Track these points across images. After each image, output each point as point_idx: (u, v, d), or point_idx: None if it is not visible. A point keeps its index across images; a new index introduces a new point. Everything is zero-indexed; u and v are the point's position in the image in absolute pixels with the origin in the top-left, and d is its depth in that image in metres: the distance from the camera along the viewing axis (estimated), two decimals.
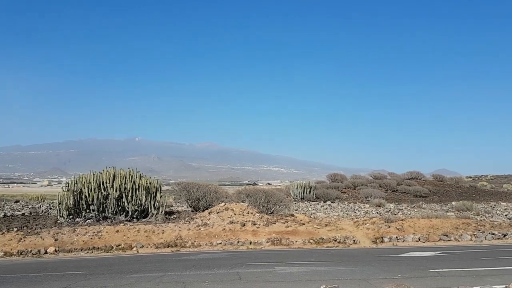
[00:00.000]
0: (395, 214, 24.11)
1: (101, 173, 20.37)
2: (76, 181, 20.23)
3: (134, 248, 16.29)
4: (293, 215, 21.28)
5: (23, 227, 18.09)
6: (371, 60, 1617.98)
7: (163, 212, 20.44)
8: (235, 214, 19.94)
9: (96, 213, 19.78)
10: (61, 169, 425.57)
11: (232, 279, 10.13)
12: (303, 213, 23.87)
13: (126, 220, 19.57)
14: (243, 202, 22.51)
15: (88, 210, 19.89)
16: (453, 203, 31.90)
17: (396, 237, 18.40)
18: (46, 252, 15.44)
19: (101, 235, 17.10)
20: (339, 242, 17.65)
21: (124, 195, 20.02)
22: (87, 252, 15.82)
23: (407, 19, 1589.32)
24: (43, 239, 16.28)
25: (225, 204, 21.29)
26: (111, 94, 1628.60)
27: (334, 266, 12.08)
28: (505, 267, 11.79)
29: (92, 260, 14.02)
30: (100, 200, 19.82)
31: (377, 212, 26.27)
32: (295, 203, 32.34)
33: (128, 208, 19.96)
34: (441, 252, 15.38)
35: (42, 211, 24.23)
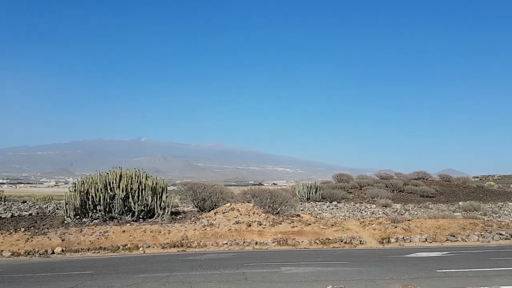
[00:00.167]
0: (401, 215, 24.02)
1: (107, 173, 20.46)
2: (83, 181, 20.33)
3: (141, 248, 16.34)
4: (299, 216, 21.26)
5: (30, 227, 18.19)
6: (372, 60, 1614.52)
7: (169, 212, 20.49)
8: (241, 215, 19.95)
9: (103, 213, 19.86)
10: (68, 170, 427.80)
11: (238, 279, 10.13)
12: (309, 214, 23.83)
13: (133, 220, 19.64)
14: (248, 203, 22.51)
15: (94, 210, 19.98)
16: (460, 203, 31.72)
17: (403, 237, 18.32)
18: (53, 252, 15.52)
19: (108, 235, 17.16)
20: (345, 243, 17.60)
21: (130, 195, 20.09)
22: (94, 252, 15.89)
23: (407, 19, 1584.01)
24: (50, 239, 16.36)
25: (231, 205, 21.30)
26: (116, 94, 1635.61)
27: (340, 266, 12.04)
28: None
29: (98, 260, 14.08)
30: (106, 200, 19.90)
31: (384, 213, 26.18)
32: (301, 203, 32.29)
33: (135, 208, 20.02)
34: (448, 252, 15.30)
35: (49, 211, 24.36)
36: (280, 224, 19.00)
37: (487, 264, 12.27)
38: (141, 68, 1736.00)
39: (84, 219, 19.72)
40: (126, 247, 16.36)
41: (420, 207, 30.51)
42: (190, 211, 23.84)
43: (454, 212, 25.84)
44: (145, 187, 20.43)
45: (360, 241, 17.87)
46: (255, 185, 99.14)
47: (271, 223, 19.02)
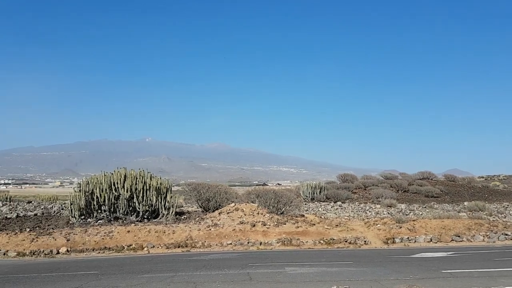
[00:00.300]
0: (406, 215, 23.96)
1: (112, 173, 20.52)
2: (88, 181, 20.40)
3: (145, 248, 16.37)
4: (303, 216, 21.24)
5: (36, 227, 18.27)
6: (375, 60, 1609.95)
7: (173, 213, 20.53)
8: (245, 215, 19.95)
9: (108, 214, 19.92)
10: (73, 170, 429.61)
11: (243, 279, 10.13)
12: (313, 214, 23.80)
13: (137, 221, 19.69)
14: (253, 203, 22.51)
15: (99, 211, 20.04)
16: (465, 203, 31.61)
17: (408, 237, 18.27)
18: (58, 252, 15.58)
19: (113, 235, 17.21)
20: (350, 243, 17.56)
21: (135, 196, 20.14)
22: (99, 252, 15.94)
23: (407, 19, 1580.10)
24: (55, 240, 16.43)
25: (235, 205, 21.31)
26: (121, 95, 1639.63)
27: (345, 266, 12.01)
28: None
29: (103, 260, 14.12)
30: (111, 200, 19.96)
31: (388, 213, 26.12)
32: (305, 204, 32.28)
33: (139, 208, 20.07)
34: (453, 252, 15.24)
35: (54, 211, 24.46)
36: (285, 224, 18.98)
37: (493, 265, 12.21)
38: (146, 68, 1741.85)
39: (89, 219, 19.78)
40: (131, 247, 16.40)
41: (425, 207, 30.42)
42: (195, 211, 23.87)
43: (459, 212, 25.74)
44: (149, 187, 20.48)
45: (365, 241, 17.83)
46: (260, 185, 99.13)
47: (275, 223, 19.01)
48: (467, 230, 19.00)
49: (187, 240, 17.13)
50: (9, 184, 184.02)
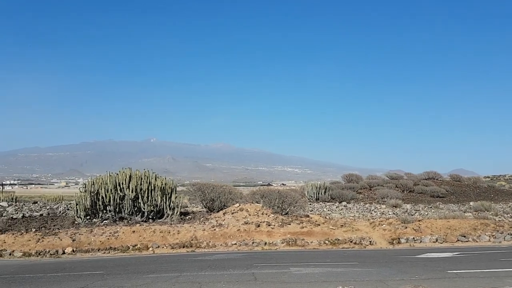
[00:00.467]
0: (412, 215, 23.87)
1: (117, 174, 20.58)
2: (93, 182, 20.48)
3: (150, 249, 16.41)
4: (308, 216, 21.21)
5: (41, 227, 18.35)
6: (378, 60, 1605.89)
7: (178, 213, 20.56)
8: (249, 215, 19.95)
9: (113, 214, 19.98)
10: (78, 171, 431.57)
11: (248, 279, 10.12)
12: (318, 214, 23.77)
13: (142, 221, 19.73)
14: (257, 203, 22.50)
15: (104, 211, 20.10)
16: (471, 203, 31.46)
17: (413, 238, 18.20)
18: (64, 253, 15.64)
19: (118, 235, 17.26)
20: (355, 243, 17.52)
21: (140, 196, 20.19)
22: (104, 252, 15.99)
23: (407, 19, 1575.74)
24: (61, 240, 16.50)
25: (239, 205, 21.31)
26: (125, 95, 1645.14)
27: (350, 267, 11.99)
28: None
29: (109, 260, 14.16)
30: (116, 200, 20.02)
31: (394, 213, 26.04)
32: (310, 204, 32.24)
33: (144, 208, 20.12)
34: (459, 253, 15.16)
35: (60, 212, 24.57)
36: (289, 224, 18.97)
37: (499, 265, 12.14)
38: (147, 68, 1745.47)
39: (94, 219, 19.85)
40: (136, 247, 16.44)
41: (431, 207, 30.31)
42: (199, 211, 23.90)
43: (465, 212, 25.62)
44: (154, 187, 20.52)
45: (370, 241, 17.78)
46: (264, 185, 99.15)
47: (280, 223, 19.00)
48: (473, 230, 18.91)
49: (192, 240, 17.15)
50: (15, 184, 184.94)
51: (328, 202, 35.06)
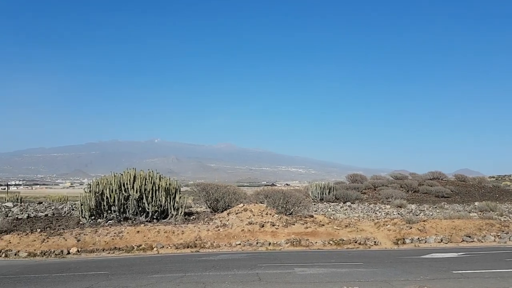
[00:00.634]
0: (416, 215, 23.78)
1: (121, 174, 20.64)
2: (98, 182, 20.53)
3: (155, 249, 16.44)
4: (312, 216, 21.19)
5: (46, 228, 18.43)
6: (375, 60, 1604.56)
7: (182, 213, 20.59)
8: (253, 215, 19.95)
9: (117, 214, 20.03)
10: (83, 171, 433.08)
11: (252, 280, 10.12)
12: (322, 214, 23.73)
13: (147, 221, 19.77)
14: (261, 203, 22.50)
15: (109, 211, 20.16)
16: (476, 203, 31.31)
17: (418, 238, 18.14)
18: (68, 253, 15.70)
19: (122, 235, 17.30)
20: (359, 244, 17.48)
21: (144, 196, 20.23)
22: (109, 253, 16.03)
23: (407, 19, 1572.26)
24: (65, 240, 16.55)
25: (243, 205, 21.32)
26: (130, 96, 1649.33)
27: (354, 267, 11.96)
28: None
29: (113, 261, 14.20)
30: (121, 201, 20.07)
31: (398, 213, 25.95)
32: (314, 204, 32.18)
33: (148, 209, 20.16)
34: (464, 253, 15.10)
35: (65, 212, 24.65)
36: (293, 224, 18.95)
37: (504, 265, 12.08)
38: (152, 69, 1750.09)
39: (99, 219, 19.91)
40: (141, 247, 16.47)
41: (435, 207, 30.19)
42: (203, 211, 23.91)
43: (469, 212, 25.50)
44: (158, 188, 20.56)
45: (375, 242, 17.74)
46: (268, 185, 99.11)
47: (284, 223, 18.98)
48: (478, 230, 18.83)
49: (196, 240, 17.17)
50: (20, 185, 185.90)
51: (332, 202, 34.98)
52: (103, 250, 16.18)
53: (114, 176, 20.53)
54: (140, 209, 20.28)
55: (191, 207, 27.41)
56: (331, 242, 17.51)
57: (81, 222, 19.55)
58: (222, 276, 10.64)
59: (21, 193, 46.29)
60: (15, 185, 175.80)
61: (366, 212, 27.27)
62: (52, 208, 26.99)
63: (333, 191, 36.82)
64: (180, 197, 21.22)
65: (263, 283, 9.73)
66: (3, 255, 15.45)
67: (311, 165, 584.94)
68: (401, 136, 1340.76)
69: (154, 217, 20.22)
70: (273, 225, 18.69)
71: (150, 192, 20.30)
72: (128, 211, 20.19)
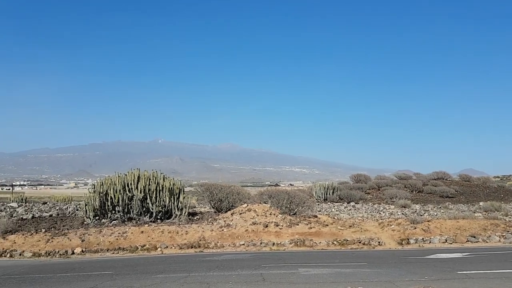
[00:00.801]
0: (421, 215, 23.70)
1: (125, 174, 20.68)
2: (102, 182, 20.58)
3: (159, 249, 16.46)
4: (316, 216, 21.16)
5: (51, 228, 18.48)
6: (375, 60, 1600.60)
7: (186, 213, 20.61)
8: (257, 215, 19.94)
9: (121, 214, 20.07)
10: (87, 171, 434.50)
11: (256, 280, 10.11)
12: (326, 214, 23.70)
13: (151, 221, 19.80)
14: (265, 203, 22.49)
15: (113, 211, 20.21)
16: (481, 203, 31.19)
17: (422, 238, 18.08)
18: (73, 253, 15.74)
19: (127, 235, 17.33)
20: (363, 244, 17.44)
21: (148, 196, 20.27)
22: (113, 253, 16.06)
23: (407, 19, 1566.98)
24: (70, 240, 16.60)
25: (247, 205, 21.31)
26: (133, 96, 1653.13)
27: (359, 268, 11.93)
28: None
29: (118, 261, 14.23)
30: (125, 201, 20.12)
31: (403, 213, 25.88)
32: (318, 204, 32.15)
33: (152, 209, 20.19)
34: (468, 253, 15.03)
35: (69, 212, 24.72)
36: (297, 225, 18.93)
37: (509, 266, 12.01)
38: (153, 69, 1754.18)
39: (103, 220, 19.96)
40: (145, 247, 16.50)
41: (440, 207, 30.08)
42: (207, 212, 23.93)
43: (474, 212, 25.40)
44: (162, 188, 20.59)
45: (379, 242, 17.69)
46: (272, 185, 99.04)
47: (288, 224, 18.97)
48: (482, 230, 18.74)
49: (200, 240, 17.18)
50: (25, 185, 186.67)
51: (336, 202, 34.93)
52: (107, 250, 16.22)
53: (118, 176, 20.58)
54: (144, 209, 20.32)
55: (195, 207, 27.44)
56: (335, 242, 17.48)
57: (85, 222, 19.61)
58: (226, 276, 10.64)
59: (25, 194, 46.45)
60: (20, 185, 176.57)
61: (370, 212, 27.21)
62: (57, 208, 27.09)
63: (337, 191, 36.77)
64: (184, 198, 21.25)
65: (267, 283, 9.72)
66: (8, 255, 15.51)
67: (315, 165, 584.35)
68: (405, 136, 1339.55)
69: (158, 217, 20.25)
70: (277, 225, 18.68)
71: (154, 193, 20.33)
72: (132, 211, 20.23)
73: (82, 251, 15.92)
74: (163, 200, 20.42)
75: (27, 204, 30.67)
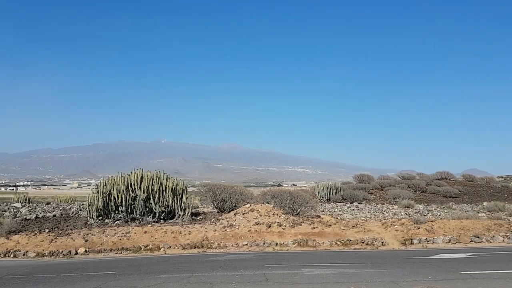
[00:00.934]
0: (424, 215, 23.65)
1: (129, 175, 20.71)
2: (105, 183, 20.62)
3: (162, 249, 16.47)
4: (319, 216, 21.13)
5: (54, 228, 18.53)
6: (375, 60, 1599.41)
7: (189, 213, 20.62)
8: (260, 215, 19.93)
9: (125, 214, 20.10)
10: (90, 172, 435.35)
11: (259, 280, 10.11)
12: (329, 215, 23.67)
13: (154, 221, 19.82)
14: (268, 204, 22.48)
15: (116, 211, 20.24)
16: (484, 203, 31.08)
17: (426, 238, 18.03)
18: (76, 253, 15.77)
19: (130, 236, 17.36)
20: (367, 244, 17.40)
21: (151, 197, 20.29)
22: (116, 253, 16.08)
23: (407, 19, 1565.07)
24: (73, 240, 16.63)
25: (250, 206, 21.31)
26: (136, 97, 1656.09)
27: (362, 268, 11.91)
28: None
29: (121, 261, 14.25)
30: (128, 201, 20.14)
31: (406, 213, 25.83)
32: (321, 204, 32.11)
33: (156, 209, 20.21)
34: (472, 253, 14.98)
35: (73, 212, 24.79)
36: (300, 225, 18.91)
37: None
38: (155, 69, 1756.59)
39: (106, 220, 19.99)
40: (148, 247, 16.52)
41: (443, 207, 30.00)
42: (210, 212, 23.94)
43: (478, 212, 25.31)
44: (165, 188, 20.61)
45: (382, 242, 17.65)
46: (275, 186, 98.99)
47: (291, 224, 18.95)
48: (486, 230, 18.68)
49: (203, 240, 17.18)
50: (28, 185, 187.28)
51: (339, 202, 34.90)
52: (110, 250, 16.24)
53: (121, 176, 20.61)
54: (147, 209, 20.34)
55: (198, 207, 27.46)
56: (338, 242, 17.45)
57: (88, 223, 19.64)
58: (229, 276, 10.64)
59: (29, 194, 46.61)
60: (24, 185, 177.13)
61: (374, 212, 27.17)
62: (60, 208, 27.17)
63: (340, 191, 36.73)
64: (187, 198, 21.26)
65: (270, 284, 9.71)
66: (12, 255, 15.56)
67: (318, 165, 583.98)
68: (406, 136, 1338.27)
69: (161, 217, 20.27)
70: (280, 226, 18.67)
71: (157, 193, 20.35)
72: (135, 211, 20.26)
73: (86, 251, 15.95)
74: (166, 200, 20.44)
75: (30, 204, 30.79)
